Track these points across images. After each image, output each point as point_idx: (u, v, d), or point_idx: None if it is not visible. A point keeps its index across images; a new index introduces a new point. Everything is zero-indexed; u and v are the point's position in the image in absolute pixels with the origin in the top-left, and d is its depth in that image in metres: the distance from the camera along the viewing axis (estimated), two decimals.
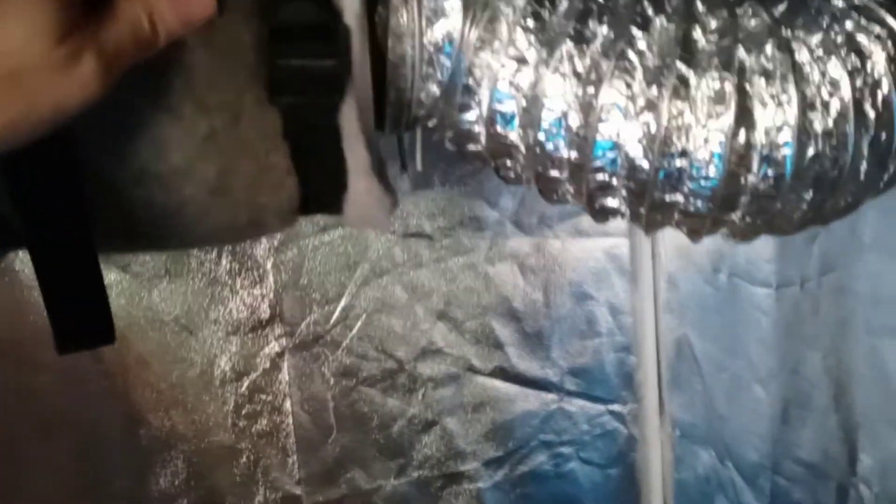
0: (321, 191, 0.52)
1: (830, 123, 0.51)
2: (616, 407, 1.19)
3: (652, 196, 0.54)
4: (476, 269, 1.10)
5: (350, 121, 0.50)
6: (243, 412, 1.05)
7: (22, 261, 0.92)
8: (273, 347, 1.05)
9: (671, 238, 1.11)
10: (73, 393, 0.99)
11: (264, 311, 1.04)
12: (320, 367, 1.08)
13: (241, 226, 0.53)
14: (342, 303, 1.07)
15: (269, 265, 1.03)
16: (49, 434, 0.98)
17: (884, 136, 0.52)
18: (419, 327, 1.10)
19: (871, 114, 0.52)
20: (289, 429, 1.07)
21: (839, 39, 0.52)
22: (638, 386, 1.19)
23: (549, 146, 0.53)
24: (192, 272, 1.01)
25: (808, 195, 0.54)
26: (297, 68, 0.48)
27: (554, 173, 0.55)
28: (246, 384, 1.05)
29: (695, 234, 0.59)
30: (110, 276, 0.97)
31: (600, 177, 0.54)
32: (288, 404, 1.07)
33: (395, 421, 1.11)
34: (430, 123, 0.57)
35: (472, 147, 0.57)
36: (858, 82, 0.51)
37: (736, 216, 0.55)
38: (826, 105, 0.51)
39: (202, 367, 1.03)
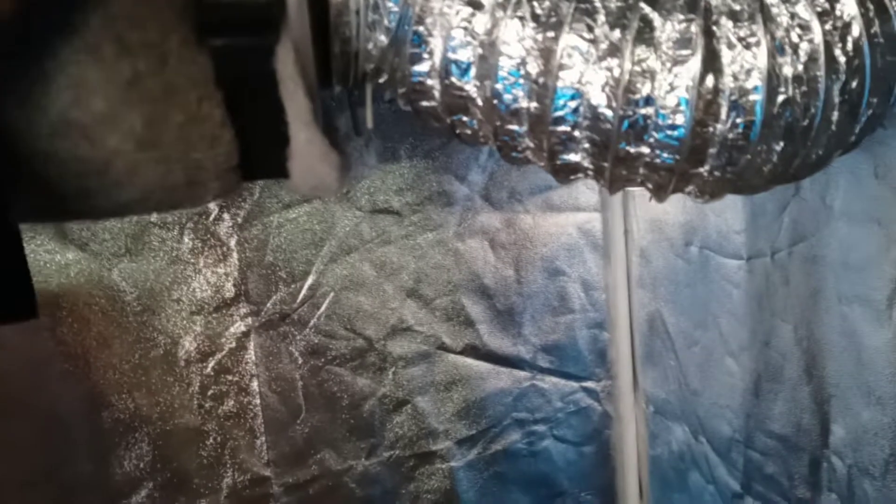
0: (260, 144, 0.50)
1: (800, 68, 0.49)
2: (590, 384, 1.18)
3: (616, 148, 0.52)
4: (446, 246, 1.09)
5: (287, 64, 0.47)
6: (209, 393, 1.03)
7: None
8: (238, 327, 1.03)
9: (643, 212, 1.10)
10: (32, 375, 0.96)
11: (229, 290, 1.02)
12: (288, 347, 1.06)
13: (178, 186, 0.49)
14: (309, 280, 1.05)
15: (232, 243, 1.01)
16: (9, 417, 0.95)
17: (855, 83, 0.50)
18: (388, 305, 1.08)
19: (842, 59, 0.50)
20: (256, 409, 1.05)
21: None
22: (612, 362, 1.18)
23: (508, 97, 0.51)
24: (153, 250, 0.98)
25: (779, 146, 0.52)
26: (228, 5, 0.45)
27: (513, 127, 0.53)
28: (211, 365, 1.03)
29: (660, 191, 0.57)
30: (68, 255, 0.95)
31: (562, 128, 0.52)
32: (255, 385, 1.05)
33: (366, 400, 1.10)
34: (381, 80, 0.54)
35: (425, 104, 0.55)
36: (828, 25, 0.49)
37: (704, 169, 0.53)
38: (795, 48, 0.49)
39: (166, 348, 1.00)
